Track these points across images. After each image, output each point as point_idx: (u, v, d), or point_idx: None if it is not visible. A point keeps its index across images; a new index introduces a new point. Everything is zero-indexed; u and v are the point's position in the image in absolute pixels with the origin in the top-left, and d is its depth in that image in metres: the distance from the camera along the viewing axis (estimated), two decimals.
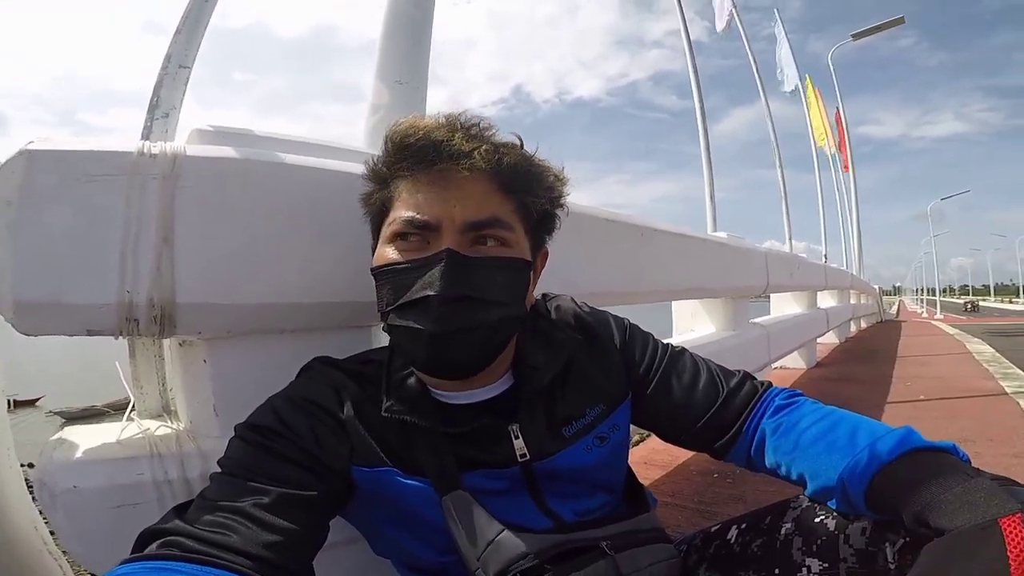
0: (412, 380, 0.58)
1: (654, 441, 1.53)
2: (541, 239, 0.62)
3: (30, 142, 0.58)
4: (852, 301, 7.96)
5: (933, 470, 0.45)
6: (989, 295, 59.57)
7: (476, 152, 0.53)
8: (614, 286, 1.41)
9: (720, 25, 6.63)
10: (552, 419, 0.60)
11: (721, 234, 2.85)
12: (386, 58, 1.02)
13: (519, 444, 0.57)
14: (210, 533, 0.43)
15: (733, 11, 6.54)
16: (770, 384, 0.66)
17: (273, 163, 0.69)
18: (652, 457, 2.02)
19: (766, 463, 0.60)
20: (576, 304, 0.69)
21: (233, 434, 0.54)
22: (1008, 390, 3.25)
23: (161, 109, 0.77)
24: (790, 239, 6.99)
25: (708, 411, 0.63)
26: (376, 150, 0.61)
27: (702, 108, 4.16)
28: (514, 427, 0.58)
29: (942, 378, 3.93)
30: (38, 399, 14.68)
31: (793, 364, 4.46)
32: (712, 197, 3.83)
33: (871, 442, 0.51)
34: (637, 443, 2.13)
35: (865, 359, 5.31)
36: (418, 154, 0.53)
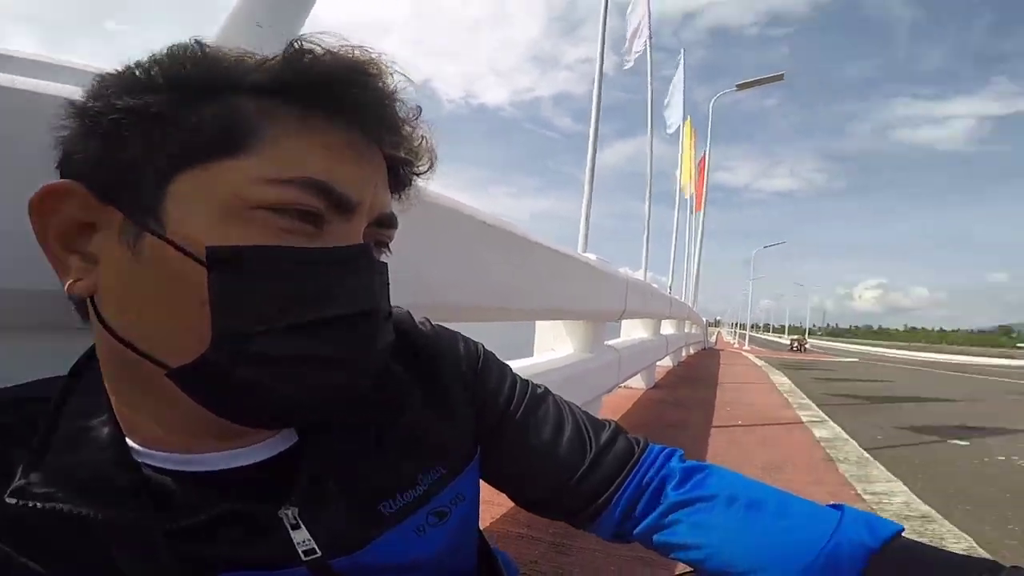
0: (101, 434, 0.34)
1: None
2: None
3: None
4: (686, 330, 8.87)
5: (932, 564, 0.40)
6: (783, 333, 71.49)
7: (413, 126, 0.38)
8: (485, 300, 1.27)
9: (629, 58, 7.01)
10: (360, 493, 0.40)
11: (591, 255, 2.87)
12: None
13: (300, 536, 0.35)
14: None
15: (648, 44, 6.93)
16: (647, 441, 0.53)
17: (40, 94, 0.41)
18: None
19: (666, 542, 0.48)
20: (414, 322, 0.50)
21: None
22: (803, 419, 3.78)
23: None
24: (646, 268, 7.62)
25: (573, 472, 0.49)
26: None
27: (596, 132, 4.35)
28: (289, 512, 0.35)
29: (753, 405, 4.47)
30: None
31: (635, 385, 4.78)
32: (587, 218, 3.97)
33: (840, 527, 0.42)
34: None
35: (692, 383, 5.89)
36: (352, 101, 0.34)
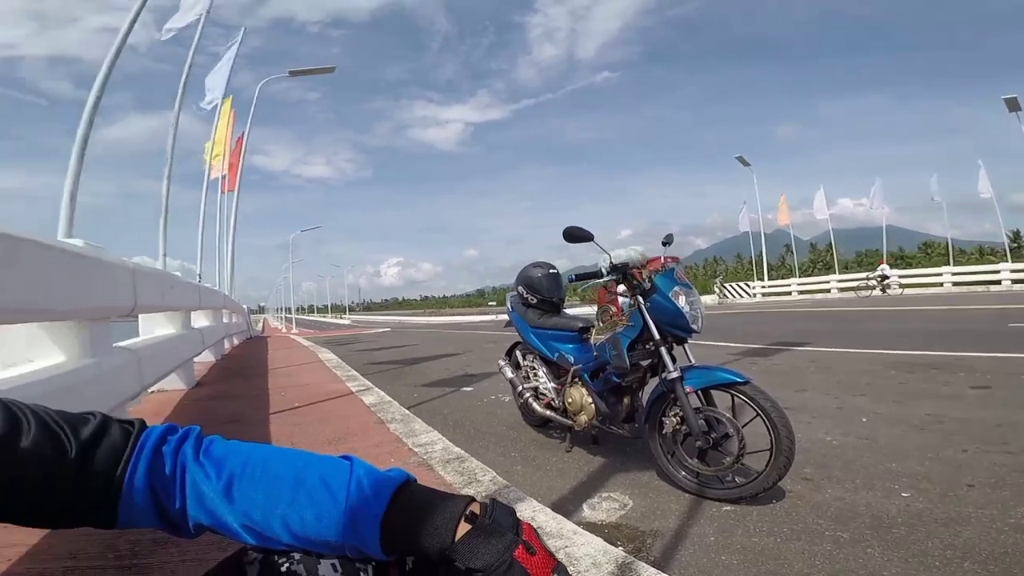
0: None
1: None
2: None
3: None
4: (225, 320, 8.12)
5: (430, 509, 0.48)
6: (327, 312, 75.93)
7: None
8: None
9: (170, 28, 5.85)
10: None
11: (76, 241, 2.18)
12: None
13: None
14: None
15: (203, 16, 5.86)
16: (143, 423, 0.52)
17: None
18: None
19: (213, 519, 0.49)
20: None
21: None
22: (353, 390, 4.00)
23: None
24: (164, 256, 6.50)
25: (56, 476, 0.45)
26: None
27: (97, 102, 3.38)
28: None
29: (307, 385, 4.45)
30: None
31: (172, 386, 4.25)
32: (74, 198, 2.98)
33: (353, 485, 0.49)
34: None
35: (241, 375, 5.44)
36: None
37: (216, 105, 10.25)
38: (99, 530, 0.49)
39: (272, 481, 0.49)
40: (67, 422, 0.48)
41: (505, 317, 3.10)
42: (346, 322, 36.79)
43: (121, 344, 2.68)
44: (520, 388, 2.81)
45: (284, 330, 22.22)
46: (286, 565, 0.51)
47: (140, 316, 3.90)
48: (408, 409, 3.25)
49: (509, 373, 2.92)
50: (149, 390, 3.46)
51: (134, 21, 4.08)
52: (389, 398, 3.61)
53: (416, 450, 2.27)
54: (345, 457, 0.52)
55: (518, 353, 2.99)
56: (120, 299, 2.32)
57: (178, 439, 0.51)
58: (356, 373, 5.12)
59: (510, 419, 3.27)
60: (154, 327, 4.08)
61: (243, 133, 13.34)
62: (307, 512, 0.48)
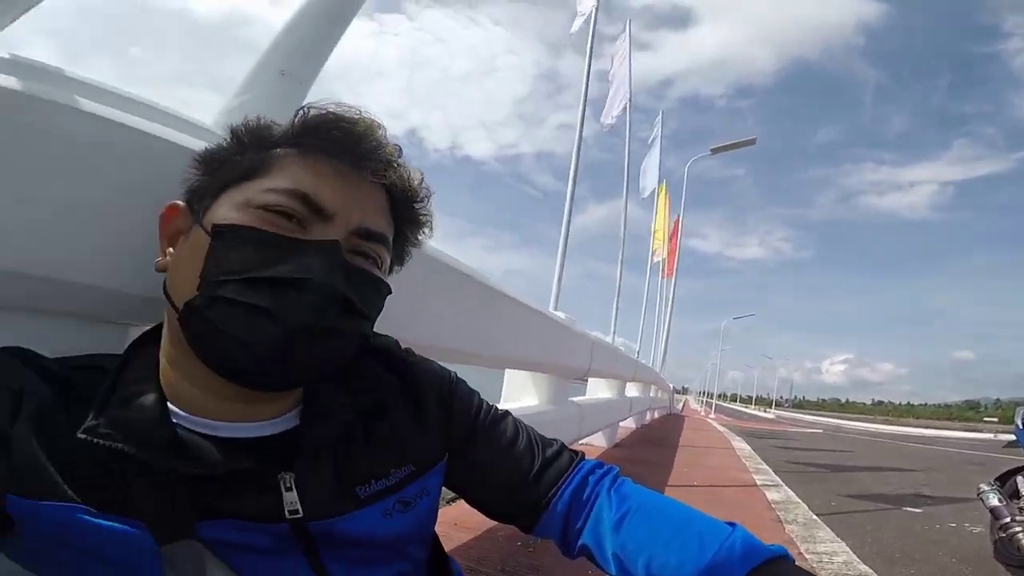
0: (148, 400, 0.44)
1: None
2: (388, 273, 0.57)
3: None
4: (651, 394, 8.92)
5: None
6: (751, 403, 72.28)
7: (393, 167, 0.50)
8: (460, 344, 1.36)
9: (612, 113, 7.05)
10: (344, 474, 0.50)
11: (560, 314, 2.99)
12: (277, 47, 0.92)
13: (290, 498, 0.46)
14: None
15: (627, 105, 6.98)
16: (583, 455, 0.62)
17: (60, 105, 0.52)
18: (463, 519, 1.95)
19: (596, 544, 0.55)
20: (400, 348, 0.62)
21: None
22: (758, 482, 3.87)
23: None
24: (615, 332, 7.66)
25: (522, 480, 0.58)
26: (221, 131, 0.53)
27: (572, 194, 4.59)
28: (287, 476, 0.46)
29: (711, 468, 4.55)
30: None
31: (597, 442, 4.87)
32: (560, 278, 4.13)
33: (725, 545, 0.49)
34: (450, 502, 2.06)
35: (654, 444, 5.94)
36: (335, 140, 0.48)
37: (653, 191, 10.82)
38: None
39: (657, 523, 0.53)
40: (541, 441, 0.62)
41: (1009, 436, 2.54)
42: (770, 416, 34.03)
43: (573, 399, 3.36)
44: (1007, 520, 2.22)
45: (703, 412, 22.55)
46: None
47: (589, 379, 4.80)
48: (817, 515, 2.96)
49: (994, 500, 2.32)
50: (580, 441, 3.90)
51: (583, 119, 4.95)
52: (797, 499, 3.35)
53: (808, 556, 2.12)
54: (731, 523, 0.52)
55: (1020, 480, 2.38)
56: (581, 362, 3.02)
57: (602, 472, 0.60)
58: (767, 467, 4.87)
59: (967, 552, 2.59)
60: (596, 390, 4.96)
61: (678, 217, 13.83)
62: (672, 557, 0.50)
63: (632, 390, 6.72)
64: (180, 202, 0.50)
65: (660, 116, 11.76)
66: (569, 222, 4.61)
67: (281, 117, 0.51)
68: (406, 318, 1.02)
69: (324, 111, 0.49)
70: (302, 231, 0.45)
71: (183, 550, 0.41)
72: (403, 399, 0.56)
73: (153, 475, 0.42)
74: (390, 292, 0.53)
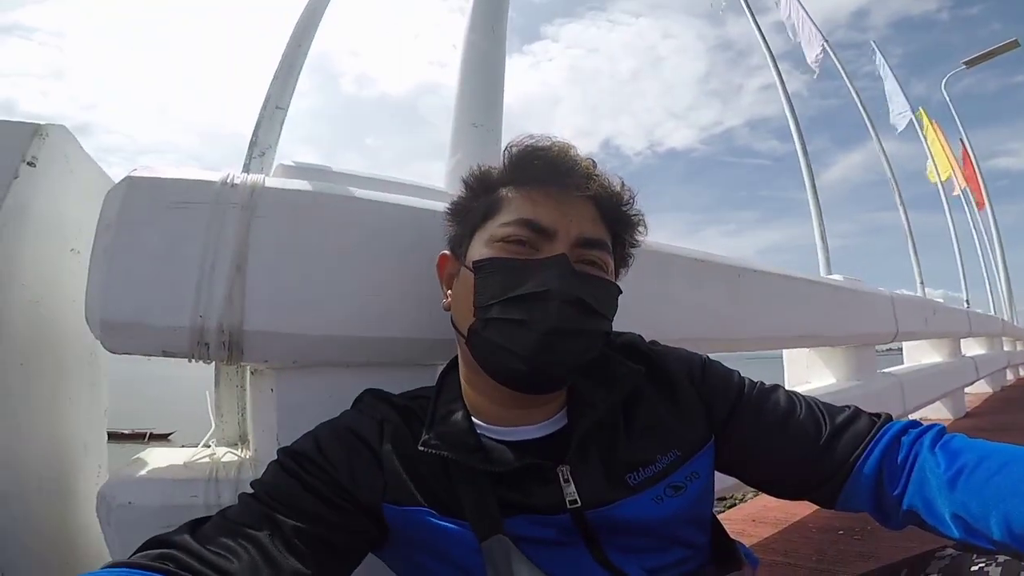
0: (458, 415, 0.55)
1: (766, 497, 1.34)
2: (616, 275, 0.62)
3: (134, 170, 0.63)
4: (1007, 348, 6.92)
5: None
6: None
7: (592, 179, 0.56)
8: (707, 332, 1.29)
9: (811, 58, 6.40)
10: (613, 464, 0.55)
11: (836, 277, 2.60)
12: (463, 101, 1.03)
13: (569, 489, 0.52)
14: (213, 555, 0.42)
15: (825, 46, 6.30)
16: (889, 416, 0.58)
17: (344, 197, 0.70)
18: (763, 514, 1.83)
19: (926, 508, 0.50)
20: (644, 341, 0.66)
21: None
22: None
23: (259, 147, 0.83)
24: (922, 285, 6.29)
25: (808, 450, 0.56)
26: (455, 190, 0.64)
27: (804, 150, 4.07)
28: (563, 469, 0.53)
29: None
30: (170, 434, 15.85)
31: (935, 415, 4.06)
32: (824, 239, 3.60)
33: None
34: (742, 500, 1.94)
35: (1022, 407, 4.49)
36: (541, 169, 0.56)
37: (909, 121, 9.37)
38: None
39: (1008, 476, 0.46)
40: (826, 409, 0.60)
41: None
42: None
43: (886, 370, 2.86)
44: None
45: None
46: (980, 566, 0.47)
47: (904, 345, 4.05)
48: None
49: None
50: (910, 416, 3.42)
51: (780, 76, 4.36)
52: None
53: None
54: None
55: None
56: (882, 326, 2.54)
57: (919, 432, 0.55)
58: None
59: None
60: (918, 355, 4.12)
61: (962, 141, 11.25)
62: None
63: (973, 347, 5.48)
64: (446, 251, 0.62)
65: (875, 48, 10.03)
66: (813, 180, 4.05)
67: (485, 163, 0.61)
68: (647, 315, 1.02)
69: (523, 145, 0.58)
70: (535, 252, 0.54)
71: (496, 545, 0.48)
72: (655, 386, 0.60)
73: (468, 476, 0.51)
74: (620, 292, 0.59)
